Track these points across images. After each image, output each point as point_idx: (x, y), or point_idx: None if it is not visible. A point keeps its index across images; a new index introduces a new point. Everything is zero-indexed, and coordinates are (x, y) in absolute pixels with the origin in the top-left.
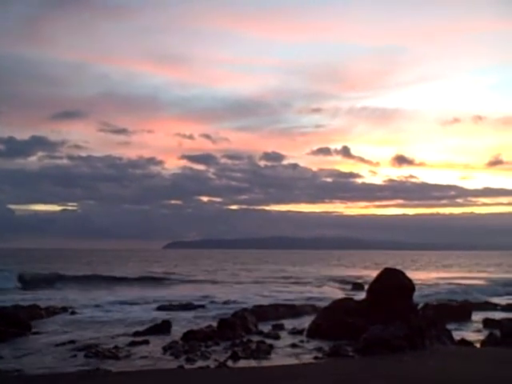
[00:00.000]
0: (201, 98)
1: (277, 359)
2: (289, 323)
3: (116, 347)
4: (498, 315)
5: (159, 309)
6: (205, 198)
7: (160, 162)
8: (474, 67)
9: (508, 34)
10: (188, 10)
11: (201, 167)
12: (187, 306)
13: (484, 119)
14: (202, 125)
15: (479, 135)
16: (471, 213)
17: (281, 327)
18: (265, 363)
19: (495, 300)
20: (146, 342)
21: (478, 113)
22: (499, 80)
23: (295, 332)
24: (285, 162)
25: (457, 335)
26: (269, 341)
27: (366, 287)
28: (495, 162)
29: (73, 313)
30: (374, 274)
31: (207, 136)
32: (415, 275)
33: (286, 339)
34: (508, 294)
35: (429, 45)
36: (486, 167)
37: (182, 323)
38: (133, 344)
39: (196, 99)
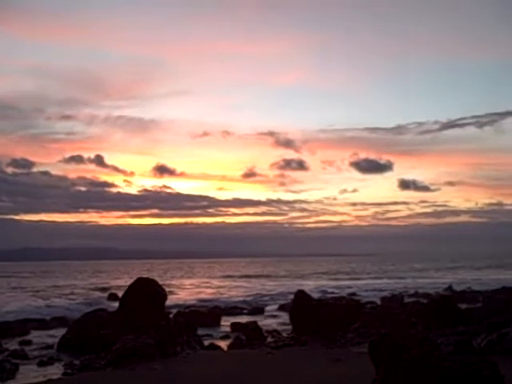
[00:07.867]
0: None
1: (23, 379)
2: (38, 339)
3: None
4: (244, 319)
5: None
6: None
7: None
8: (224, 86)
9: (251, 56)
10: None
11: None
12: None
13: (232, 134)
14: None
15: (232, 149)
16: (222, 222)
17: (29, 343)
18: None
19: (243, 305)
20: None
21: (225, 128)
22: (245, 99)
23: (44, 347)
24: (35, 170)
25: (206, 340)
26: (15, 359)
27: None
28: (249, 175)
29: None
30: (128, 283)
31: None
32: (169, 283)
33: (34, 356)
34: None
35: (185, 60)
36: (240, 179)
37: None
38: None
39: None
